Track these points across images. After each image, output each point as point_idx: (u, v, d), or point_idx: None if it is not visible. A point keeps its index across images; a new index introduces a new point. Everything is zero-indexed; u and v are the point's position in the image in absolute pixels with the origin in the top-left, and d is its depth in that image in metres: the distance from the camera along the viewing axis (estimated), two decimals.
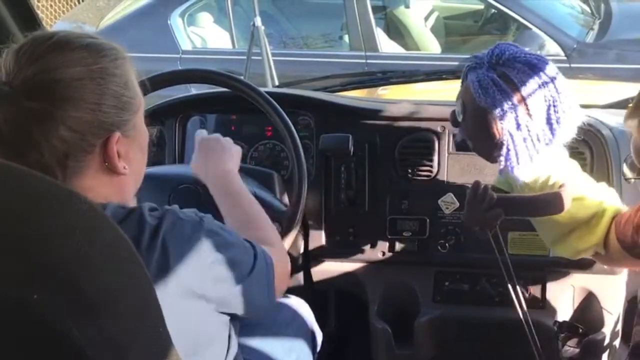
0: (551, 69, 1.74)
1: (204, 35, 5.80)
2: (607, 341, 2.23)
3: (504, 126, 1.71)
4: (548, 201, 1.81)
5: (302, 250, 2.38)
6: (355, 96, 2.81)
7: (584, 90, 3.49)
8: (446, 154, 2.31)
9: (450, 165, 2.31)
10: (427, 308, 2.34)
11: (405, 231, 2.32)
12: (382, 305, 2.37)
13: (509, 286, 1.98)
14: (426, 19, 6.10)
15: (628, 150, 1.64)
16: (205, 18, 5.85)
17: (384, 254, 2.34)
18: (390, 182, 2.33)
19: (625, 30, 5.67)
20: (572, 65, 5.13)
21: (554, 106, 1.72)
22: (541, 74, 1.72)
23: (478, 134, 1.80)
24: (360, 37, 5.53)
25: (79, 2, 7.64)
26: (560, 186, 1.78)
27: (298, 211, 2.00)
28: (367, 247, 2.35)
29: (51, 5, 7.65)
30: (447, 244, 2.30)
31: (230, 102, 2.37)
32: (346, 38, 5.74)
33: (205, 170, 1.85)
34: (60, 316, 0.72)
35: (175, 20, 5.63)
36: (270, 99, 2.07)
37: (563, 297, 2.30)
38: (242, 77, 2.52)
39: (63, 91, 1.25)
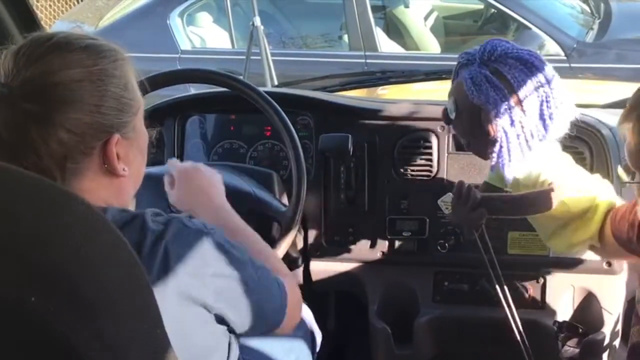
0: (543, 64, 1.74)
1: (203, 35, 5.79)
2: (606, 341, 2.22)
3: (498, 123, 1.71)
4: (533, 200, 1.81)
5: (301, 250, 2.38)
6: (354, 96, 2.81)
7: (584, 90, 3.49)
8: (445, 154, 2.31)
9: (450, 165, 2.31)
10: (426, 308, 2.34)
11: (404, 231, 2.32)
12: (382, 306, 2.37)
13: (497, 286, 1.98)
14: (426, 18, 6.10)
15: None
16: (204, 18, 5.85)
17: (383, 254, 2.34)
18: (389, 182, 2.33)
19: (625, 30, 5.67)
20: (572, 65, 5.14)
21: (547, 102, 1.72)
22: (534, 69, 1.72)
23: (472, 132, 1.79)
24: (359, 37, 5.53)
25: (78, 2, 7.65)
26: (549, 185, 1.78)
27: (297, 211, 2.00)
28: (366, 247, 2.35)
29: (50, 5, 7.65)
30: (446, 244, 2.30)
31: (229, 102, 2.37)
32: (345, 38, 5.74)
33: (190, 204, 1.69)
34: (58, 318, 0.71)
35: (175, 20, 5.63)
36: (270, 98, 2.07)
37: (563, 297, 2.30)
38: (241, 77, 2.51)
39: (62, 93, 1.24)
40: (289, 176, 2.12)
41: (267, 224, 2.09)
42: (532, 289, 2.29)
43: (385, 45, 5.67)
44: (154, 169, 1.95)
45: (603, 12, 5.92)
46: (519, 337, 1.97)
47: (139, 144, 1.39)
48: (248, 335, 1.49)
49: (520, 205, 1.84)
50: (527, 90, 1.70)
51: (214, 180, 1.73)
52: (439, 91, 3.08)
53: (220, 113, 2.48)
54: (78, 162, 1.28)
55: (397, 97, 3.01)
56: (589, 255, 2.20)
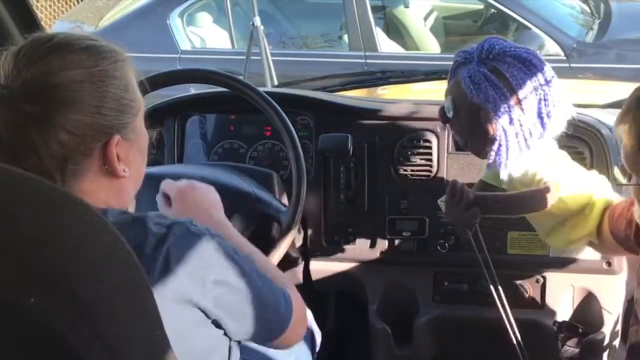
0: (540, 62, 1.74)
1: (203, 35, 5.79)
2: (606, 341, 2.22)
3: (498, 122, 1.71)
4: (528, 199, 1.81)
5: (301, 250, 2.38)
6: (354, 96, 2.81)
7: (584, 90, 3.49)
8: (445, 154, 2.31)
9: (450, 165, 2.31)
10: (426, 308, 2.34)
11: (404, 231, 2.31)
12: (382, 305, 2.37)
13: (491, 285, 1.98)
14: (425, 18, 6.10)
15: None
16: (204, 18, 5.84)
17: (383, 254, 2.34)
18: (389, 182, 2.33)
19: (625, 30, 5.67)
20: (572, 65, 5.14)
21: (545, 100, 1.72)
22: (532, 67, 1.72)
23: (470, 131, 1.79)
24: (359, 37, 5.53)
25: (77, 2, 7.64)
26: (544, 184, 1.78)
27: (297, 211, 2.00)
28: (366, 247, 2.35)
29: (50, 5, 7.65)
30: (446, 244, 2.30)
31: (229, 102, 2.37)
32: (345, 38, 5.74)
33: None
34: (58, 318, 0.71)
35: (174, 20, 5.63)
36: (270, 98, 2.07)
37: (563, 297, 2.29)
38: (241, 77, 2.51)
39: (62, 94, 1.24)
40: (289, 176, 2.12)
41: (267, 224, 2.09)
42: (531, 289, 2.29)
43: (385, 45, 5.67)
44: (154, 169, 1.95)
45: (603, 12, 5.92)
46: (513, 338, 1.97)
47: (139, 145, 1.39)
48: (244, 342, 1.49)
49: (515, 205, 1.84)
50: (526, 89, 1.70)
51: (211, 197, 1.70)
52: (439, 91, 3.07)
53: (220, 113, 2.48)
54: (78, 163, 1.27)
55: (397, 97, 3.01)
56: (589, 255, 2.20)
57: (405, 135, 2.33)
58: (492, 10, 5.82)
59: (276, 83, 3.98)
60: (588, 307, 2.29)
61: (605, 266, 2.22)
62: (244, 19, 5.30)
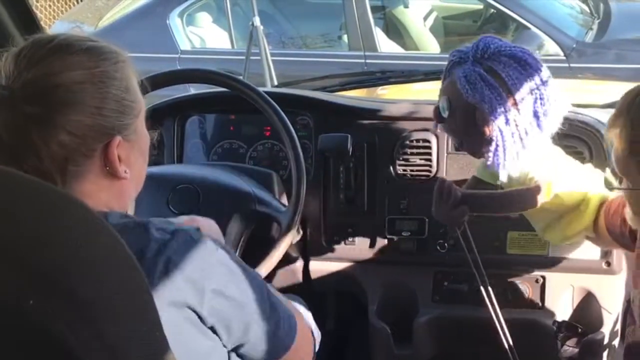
0: (536, 61, 1.74)
1: (202, 35, 5.80)
2: (606, 341, 2.22)
3: (494, 122, 1.71)
4: (518, 197, 1.82)
5: (300, 250, 2.38)
6: (354, 96, 2.81)
7: (583, 90, 3.49)
8: (445, 154, 2.31)
9: (449, 165, 2.31)
10: (426, 308, 2.34)
11: (404, 231, 2.31)
12: (381, 305, 2.37)
13: (480, 283, 1.98)
14: (425, 18, 6.10)
15: None
16: (204, 18, 5.85)
17: (382, 253, 2.34)
18: (388, 182, 2.33)
19: (625, 30, 5.67)
20: (572, 65, 5.14)
21: (541, 99, 1.72)
22: (527, 67, 1.72)
23: (466, 131, 1.80)
24: (359, 37, 5.53)
25: (77, 2, 7.65)
26: (535, 182, 1.79)
27: (297, 211, 2.00)
28: (365, 247, 2.35)
29: (50, 5, 7.65)
30: (446, 244, 2.30)
31: (229, 102, 2.37)
32: (345, 38, 5.74)
33: None
34: (57, 319, 0.72)
35: (174, 20, 5.63)
36: (269, 98, 2.07)
37: (562, 296, 2.29)
38: (241, 77, 2.51)
39: (63, 95, 1.24)
40: (289, 176, 2.12)
41: (266, 224, 2.09)
42: (531, 289, 2.29)
43: (385, 45, 5.67)
44: (154, 169, 1.96)
45: (602, 12, 5.93)
46: (503, 338, 1.98)
47: (140, 146, 1.38)
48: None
49: (504, 203, 1.85)
50: (522, 89, 1.70)
51: (212, 229, 1.71)
52: (439, 91, 3.08)
53: (219, 113, 2.48)
54: (79, 165, 1.27)
55: (397, 97, 3.01)
56: (589, 255, 2.21)
57: (405, 135, 2.33)
58: (492, 10, 5.82)
59: (276, 83, 3.98)
60: (587, 307, 2.29)
61: (604, 266, 2.22)
62: (244, 19, 5.30)
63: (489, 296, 1.96)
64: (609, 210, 1.80)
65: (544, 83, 1.72)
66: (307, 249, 2.38)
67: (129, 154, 1.33)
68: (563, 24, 5.57)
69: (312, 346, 1.61)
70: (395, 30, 5.90)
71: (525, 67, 1.72)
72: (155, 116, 2.36)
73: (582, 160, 2.19)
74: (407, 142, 2.32)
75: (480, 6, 6.02)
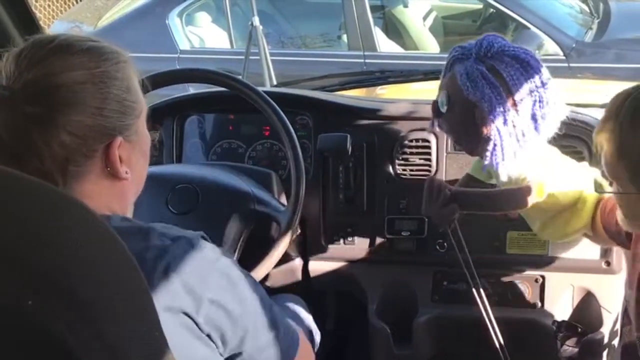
0: (537, 63, 1.74)
1: (202, 35, 5.80)
2: (605, 340, 2.22)
3: (492, 121, 1.71)
4: (507, 196, 1.82)
5: (300, 250, 2.38)
6: (353, 96, 2.81)
7: (583, 90, 3.49)
8: (444, 153, 2.31)
9: (449, 164, 2.31)
10: (425, 308, 2.34)
11: (403, 231, 2.31)
12: (381, 305, 2.37)
13: (471, 282, 1.98)
14: (424, 18, 6.10)
15: None
16: (203, 18, 5.85)
17: (382, 253, 2.34)
18: (388, 181, 2.33)
19: (624, 30, 5.67)
20: (571, 64, 5.14)
21: (540, 102, 1.72)
22: (529, 69, 1.72)
23: (463, 127, 1.80)
24: (358, 37, 5.53)
25: (76, 2, 7.65)
26: (527, 182, 1.79)
27: (296, 211, 2.00)
28: (365, 247, 2.35)
29: (49, 5, 7.65)
30: (445, 244, 2.30)
31: (228, 101, 2.37)
32: (344, 37, 5.74)
33: None
34: (57, 319, 0.71)
35: (173, 20, 5.63)
36: (269, 98, 2.07)
37: (562, 296, 2.29)
38: (240, 77, 2.51)
39: (64, 95, 1.23)
40: (288, 176, 2.12)
41: (265, 224, 2.09)
42: (531, 289, 2.29)
43: (384, 45, 5.67)
44: (153, 169, 1.95)
45: (602, 11, 5.93)
46: (494, 337, 1.98)
47: (141, 147, 1.38)
48: None
49: (495, 202, 1.85)
50: (522, 90, 1.70)
51: None
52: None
53: (219, 113, 2.48)
54: (80, 165, 1.27)
55: (396, 96, 3.01)
56: (588, 255, 2.21)
57: (404, 134, 2.32)
58: (491, 10, 5.83)
59: (275, 83, 3.99)
60: (587, 307, 2.29)
61: (604, 266, 2.23)
62: (243, 19, 5.31)
63: (479, 294, 1.96)
64: (605, 208, 1.80)
65: (544, 86, 1.72)
66: (307, 249, 2.38)
67: (130, 155, 1.33)
68: (563, 23, 5.57)
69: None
70: (395, 30, 5.90)
71: (527, 68, 1.71)
72: (155, 116, 2.36)
73: (582, 159, 2.19)
74: (407, 142, 2.32)
75: (480, 6, 6.02)
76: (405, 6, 6.03)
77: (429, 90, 3.09)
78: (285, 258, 2.27)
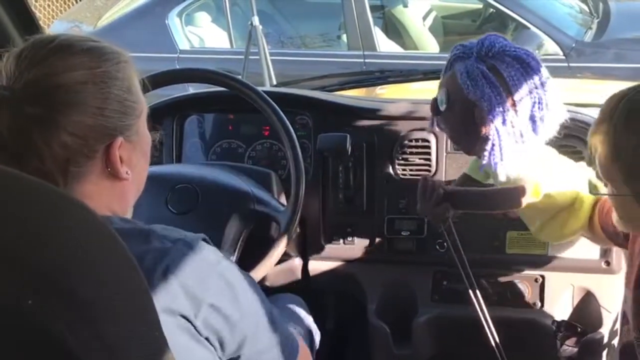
0: (539, 65, 1.74)
1: (201, 35, 5.80)
2: (605, 340, 2.22)
3: (491, 120, 1.71)
4: (501, 196, 1.82)
5: (300, 250, 2.38)
6: (353, 95, 2.81)
7: (583, 90, 3.49)
8: (444, 153, 2.31)
9: (448, 164, 2.31)
10: (425, 308, 2.34)
11: (403, 231, 2.31)
12: (381, 305, 2.37)
13: (466, 282, 1.98)
14: (424, 18, 6.10)
15: None
16: (203, 17, 5.85)
17: (381, 253, 2.34)
18: (387, 181, 2.33)
19: (624, 30, 5.67)
20: (571, 64, 5.14)
21: (539, 104, 1.72)
22: (529, 70, 1.72)
23: (461, 126, 1.80)
24: (358, 37, 5.53)
25: (76, 2, 7.65)
26: (522, 182, 1.79)
27: (296, 211, 2.00)
28: (365, 247, 2.35)
29: (48, 5, 7.65)
30: (445, 244, 2.30)
31: (228, 101, 2.37)
32: (344, 37, 5.74)
33: None
34: (56, 320, 0.71)
35: (173, 20, 5.63)
36: (268, 98, 2.07)
37: (562, 296, 2.30)
38: (240, 77, 2.51)
39: (65, 95, 1.23)
40: (288, 176, 2.12)
41: (265, 224, 2.09)
42: (530, 288, 2.29)
43: (384, 44, 5.67)
44: (153, 169, 1.95)
45: (602, 11, 5.93)
46: (490, 336, 1.98)
47: (142, 147, 1.37)
48: None
49: (489, 201, 1.85)
50: (522, 91, 1.70)
51: None
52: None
53: (218, 113, 2.48)
54: (81, 166, 1.26)
55: (396, 96, 3.01)
56: (588, 255, 2.21)
57: (404, 134, 2.32)
58: (491, 9, 5.83)
59: (275, 82, 3.98)
60: (587, 307, 2.29)
61: (604, 265, 2.23)
62: (243, 19, 5.31)
63: (474, 293, 1.97)
64: (603, 209, 1.80)
65: (544, 88, 1.72)
66: (307, 249, 2.38)
67: (131, 155, 1.33)
68: (562, 23, 5.57)
69: None
70: (395, 30, 5.90)
71: (528, 69, 1.71)
72: (154, 116, 2.35)
73: (580, 159, 2.19)
74: (406, 142, 2.32)
75: (480, 5, 6.02)
76: (405, 6, 6.03)
77: (428, 90, 3.09)
78: (285, 258, 2.27)
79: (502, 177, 1.79)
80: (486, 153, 1.74)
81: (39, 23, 2.04)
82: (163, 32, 5.57)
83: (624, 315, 2.24)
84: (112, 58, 1.30)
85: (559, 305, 2.29)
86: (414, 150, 2.32)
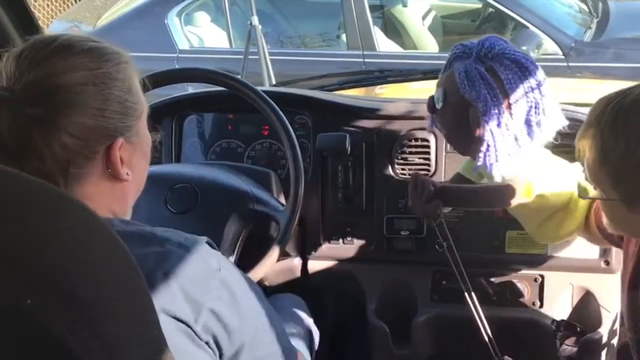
0: (536, 70, 1.74)
1: (201, 35, 5.80)
2: (604, 340, 2.23)
3: (485, 122, 1.71)
4: (491, 193, 1.82)
5: (299, 250, 2.38)
6: (352, 95, 2.81)
7: (582, 89, 3.49)
8: (443, 153, 2.31)
9: (448, 164, 2.31)
10: (424, 307, 2.34)
11: (402, 230, 2.31)
12: (380, 305, 2.37)
13: (459, 279, 1.98)
14: (424, 17, 6.11)
15: None
16: (202, 17, 5.85)
17: (381, 253, 2.34)
18: (387, 181, 2.33)
19: (623, 29, 5.67)
20: (570, 64, 5.14)
21: (536, 108, 1.72)
22: (527, 74, 1.72)
23: (456, 125, 1.80)
24: (357, 36, 5.54)
25: (75, 1, 7.64)
26: (514, 182, 1.79)
27: (295, 210, 2.00)
28: (364, 246, 2.35)
29: (48, 5, 7.64)
30: (444, 243, 2.30)
31: (227, 101, 2.37)
32: (344, 37, 5.75)
33: None
34: (56, 321, 0.71)
35: (173, 20, 5.63)
36: (268, 98, 2.07)
37: (561, 295, 2.30)
38: (239, 76, 2.51)
39: (65, 96, 1.22)
40: (287, 175, 2.12)
41: (264, 224, 2.09)
42: (530, 288, 2.29)
43: (383, 44, 5.67)
44: (152, 168, 1.95)
45: (601, 11, 5.93)
46: (485, 335, 1.98)
47: (142, 148, 1.37)
48: None
49: (479, 198, 1.85)
50: (518, 94, 1.70)
51: None
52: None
53: (217, 112, 2.48)
54: (81, 167, 1.26)
55: (395, 96, 3.01)
56: (587, 254, 2.21)
57: (403, 134, 2.32)
58: (490, 9, 5.83)
59: (274, 82, 3.98)
60: (586, 306, 2.29)
61: (603, 265, 2.23)
62: (242, 18, 5.31)
63: (467, 291, 1.97)
64: (598, 209, 1.80)
65: (541, 94, 1.72)
66: (306, 248, 2.38)
67: (131, 156, 1.32)
68: (562, 23, 5.57)
69: None
70: (394, 30, 5.90)
71: (526, 74, 1.71)
72: (153, 115, 2.35)
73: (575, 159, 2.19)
74: (406, 141, 2.32)
75: (479, 5, 6.02)
76: (405, 6, 6.03)
77: (428, 90, 3.08)
78: (284, 257, 2.27)
79: (497, 179, 1.79)
80: (481, 154, 1.74)
81: (39, 23, 2.04)
82: (162, 31, 5.57)
83: (622, 315, 2.25)
84: (112, 59, 1.29)
85: (559, 304, 2.29)
86: (414, 149, 2.32)
